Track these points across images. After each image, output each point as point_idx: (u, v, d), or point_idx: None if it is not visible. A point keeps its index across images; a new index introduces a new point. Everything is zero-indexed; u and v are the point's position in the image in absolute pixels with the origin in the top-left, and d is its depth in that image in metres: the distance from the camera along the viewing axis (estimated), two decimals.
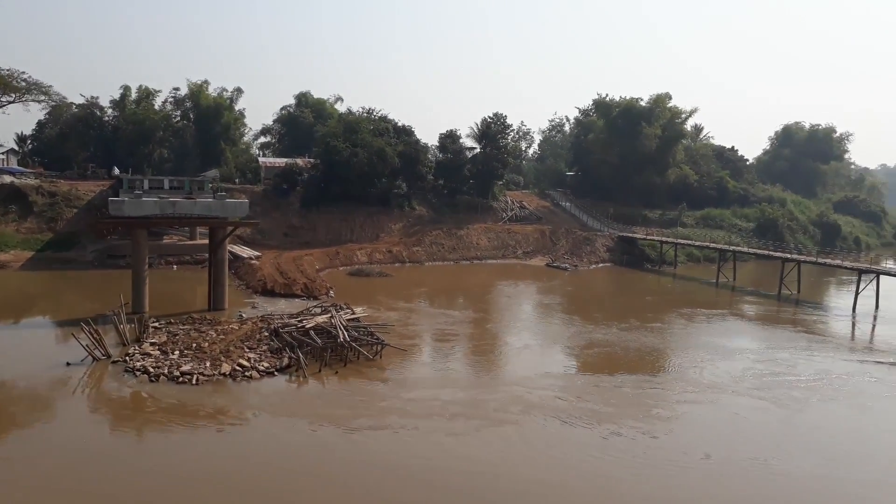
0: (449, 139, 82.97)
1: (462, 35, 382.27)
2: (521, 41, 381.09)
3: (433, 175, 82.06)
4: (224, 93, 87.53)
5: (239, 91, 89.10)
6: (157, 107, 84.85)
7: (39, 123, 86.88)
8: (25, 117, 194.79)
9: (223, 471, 21.19)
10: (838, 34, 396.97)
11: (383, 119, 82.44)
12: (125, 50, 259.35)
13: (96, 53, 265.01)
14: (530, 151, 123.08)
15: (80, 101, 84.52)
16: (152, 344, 32.90)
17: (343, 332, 33.31)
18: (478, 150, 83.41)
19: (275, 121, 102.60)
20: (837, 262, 60.32)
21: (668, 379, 32.80)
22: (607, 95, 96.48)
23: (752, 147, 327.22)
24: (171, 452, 22.42)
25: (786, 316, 49.73)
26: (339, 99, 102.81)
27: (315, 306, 41.12)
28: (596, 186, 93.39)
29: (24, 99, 76.85)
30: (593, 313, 47.47)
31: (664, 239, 75.67)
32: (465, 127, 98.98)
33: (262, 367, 30.40)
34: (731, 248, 69.74)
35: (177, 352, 31.76)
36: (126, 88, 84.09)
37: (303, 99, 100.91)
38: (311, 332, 33.53)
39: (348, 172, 71.10)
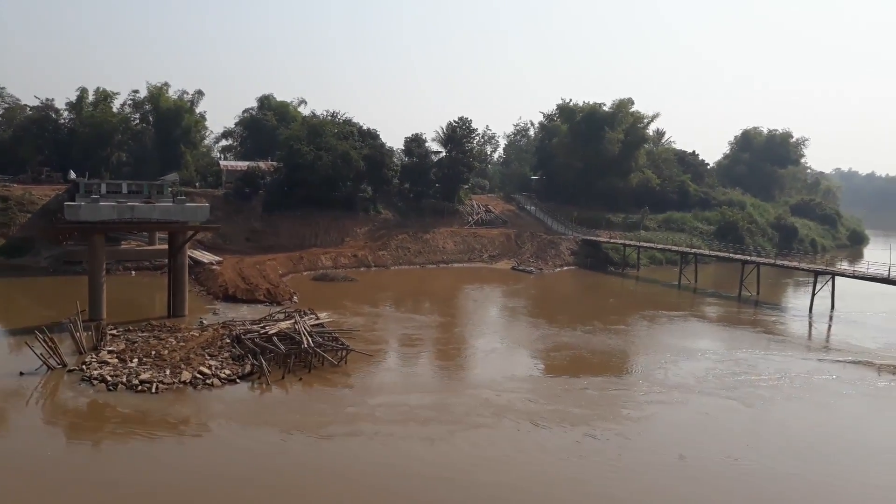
0: (415, 143, 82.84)
1: (428, 40, 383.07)
2: (485, 46, 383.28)
3: (399, 179, 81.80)
4: (185, 95, 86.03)
5: (200, 93, 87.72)
6: (115, 109, 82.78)
7: None
8: None
9: (185, 483, 20.66)
10: (793, 44, 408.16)
11: (348, 122, 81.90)
12: (82, 52, 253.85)
13: (52, 56, 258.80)
14: (495, 156, 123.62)
15: (35, 103, 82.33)
16: (110, 352, 32.01)
17: (307, 338, 32.84)
18: (443, 153, 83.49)
19: (236, 123, 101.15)
20: (795, 263, 61.92)
21: (634, 380, 33.10)
22: (571, 100, 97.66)
23: (712, 151, 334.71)
24: (130, 464, 21.76)
25: (746, 317, 50.69)
26: (303, 102, 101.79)
27: (278, 312, 40.56)
28: (560, 190, 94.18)
29: None
30: (558, 316, 47.73)
31: (627, 242, 76.59)
32: (431, 131, 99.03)
33: (224, 375, 29.80)
34: (693, 250, 70.90)
35: (135, 360, 30.94)
36: (83, 90, 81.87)
37: (265, 101, 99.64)
38: (275, 339, 33.01)
39: (312, 176, 70.38)
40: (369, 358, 33.71)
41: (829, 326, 48.40)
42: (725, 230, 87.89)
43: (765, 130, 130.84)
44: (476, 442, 24.26)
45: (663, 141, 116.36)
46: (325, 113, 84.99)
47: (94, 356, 31.42)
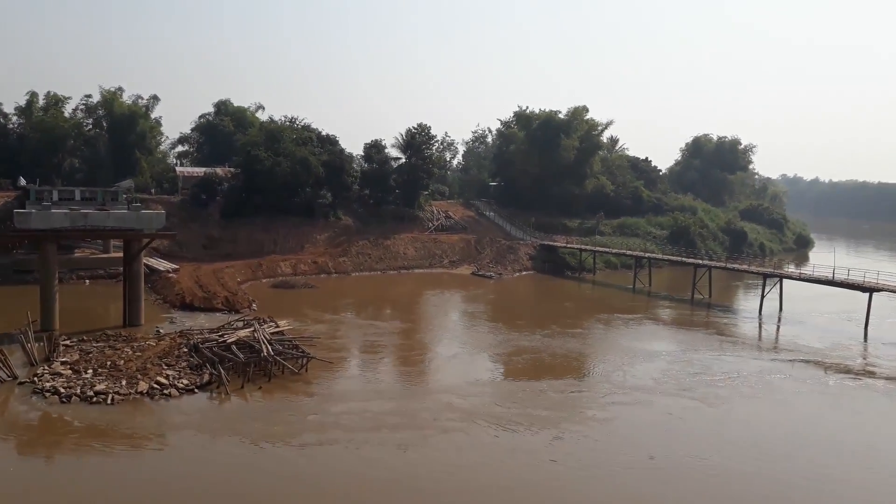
0: (374, 149, 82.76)
1: (386, 45, 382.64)
2: (444, 52, 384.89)
3: (359, 185, 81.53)
4: (139, 100, 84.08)
5: (155, 99, 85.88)
6: (67, 114, 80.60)
7: None
8: None
9: (144, 497, 20.30)
10: (740, 54, 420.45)
11: (306, 128, 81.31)
12: (32, 55, 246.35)
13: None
14: (454, 162, 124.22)
15: None
16: (63, 363, 31.29)
17: (266, 346, 32.64)
18: (403, 160, 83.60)
19: (193, 129, 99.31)
20: (745, 267, 64.00)
21: (594, 382, 33.84)
22: (528, 108, 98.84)
23: (664, 158, 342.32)
24: (85, 478, 21.37)
25: (699, 319, 52.13)
26: (261, 107, 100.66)
27: (237, 320, 40.09)
28: (518, 196, 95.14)
29: None
30: (518, 320, 48.33)
31: (583, 247, 77.88)
32: (391, 137, 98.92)
33: (182, 385, 29.44)
34: (647, 255, 72.55)
35: (90, 370, 30.31)
36: (32, 95, 79.48)
37: (222, 107, 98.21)
38: (233, 347, 32.72)
39: (271, 182, 69.72)
40: (330, 365, 33.64)
41: (778, 327, 50.09)
42: (678, 235, 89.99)
43: (714, 137, 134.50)
44: (448, 448, 24.48)
45: (617, 148, 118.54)
46: (283, 118, 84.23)
47: (46, 367, 30.68)
